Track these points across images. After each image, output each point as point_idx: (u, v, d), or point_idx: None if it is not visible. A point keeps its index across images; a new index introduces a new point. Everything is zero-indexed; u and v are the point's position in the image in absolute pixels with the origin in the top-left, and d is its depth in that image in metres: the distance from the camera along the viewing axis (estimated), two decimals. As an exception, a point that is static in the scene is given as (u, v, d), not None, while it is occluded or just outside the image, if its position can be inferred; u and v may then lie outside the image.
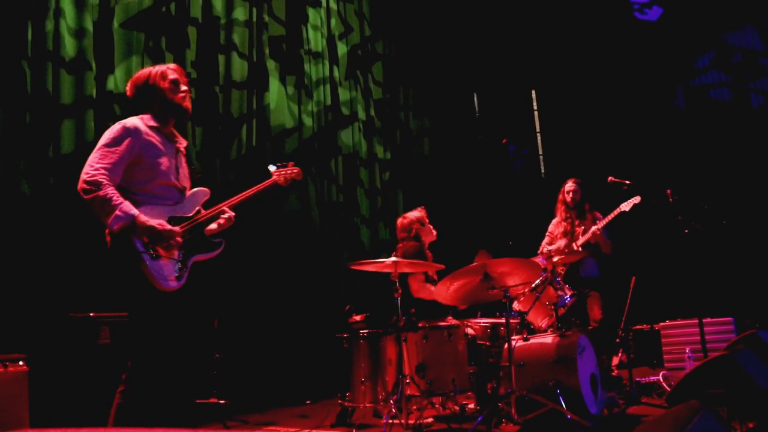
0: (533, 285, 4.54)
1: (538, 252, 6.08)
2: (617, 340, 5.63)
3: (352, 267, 4.59)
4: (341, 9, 8.17)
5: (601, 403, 4.37)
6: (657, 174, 6.96)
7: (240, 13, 6.70)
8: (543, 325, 4.91)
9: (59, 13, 5.12)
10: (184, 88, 3.32)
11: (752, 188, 8.64)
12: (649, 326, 7.18)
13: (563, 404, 3.97)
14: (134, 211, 2.94)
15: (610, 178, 5.88)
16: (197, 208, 3.34)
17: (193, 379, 3.24)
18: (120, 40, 5.61)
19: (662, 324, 6.93)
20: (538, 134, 10.74)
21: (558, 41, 9.87)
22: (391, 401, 4.22)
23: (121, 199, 2.94)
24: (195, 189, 3.40)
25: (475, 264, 4.28)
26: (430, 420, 4.58)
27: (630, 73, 9.79)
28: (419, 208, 5.60)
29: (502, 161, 10.48)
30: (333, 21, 7.95)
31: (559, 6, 9.68)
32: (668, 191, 5.56)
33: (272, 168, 3.75)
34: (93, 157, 3.02)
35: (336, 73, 7.85)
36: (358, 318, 5.25)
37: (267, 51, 6.93)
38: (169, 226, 3.03)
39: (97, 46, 5.38)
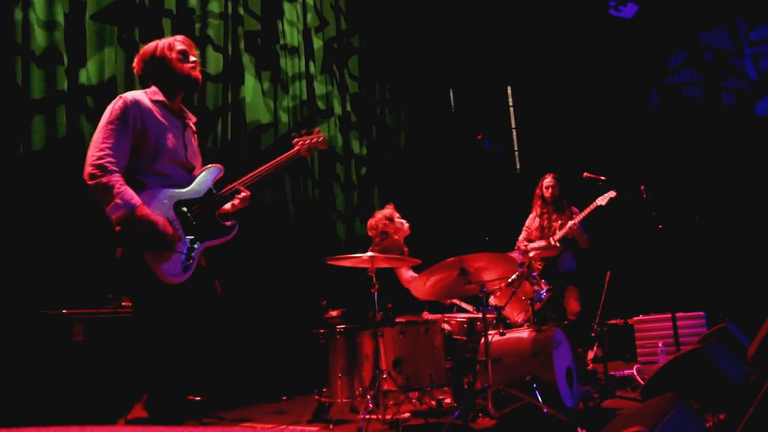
0: (509, 280, 4.56)
1: (516, 247, 6.11)
2: (593, 334, 5.68)
3: (329, 262, 4.57)
4: (317, 3, 8.12)
5: (577, 396, 4.41)
6: (631, 170, 7.03)
7: (215, 6, 6.62)
8: (519, 320, 4.93)
9: (28, 4, 5.01)
10: (193, 58, 3.20)
11: (723, 185, 8.77)
12: (622, 321, 7.27)
13: (539, 398, 3.99)
14: (135, 200, 2.81)
15: (585, 173, 5.94)
16: (209, 187, 3.17)
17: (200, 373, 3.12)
18: (92, 32, 5.50)
19: (636, 318, 7.01)
20: (514, 130, 10.80)
21: (534, 38, 9.93)
22: (368, 396, 4.22)
23: (124, 187, 2.81)
24: (206, 167, 3.23)
25: (450, 259, 4.28)
26: (407, 415, 4.58)
27: (605, 70, 9.89)
28: (387, 205, 5.61)
29: (478, 157, 10.51)
30: (309, 15, 7.90)
31: (534, 3, 9.73)
32: (642, 187, 5.63)
33: (295, 137, 3.56)
34: (97, 138, 2.89)
35: (312, 69, 7.81)
36: (334, 313, 5.24)
37: (242, 45, 6.87)
38: (170, 229, 2.87)
39: (69, 39, 5.27)
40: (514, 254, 4.68)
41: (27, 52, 4.97)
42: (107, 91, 5.48)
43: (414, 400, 4.57)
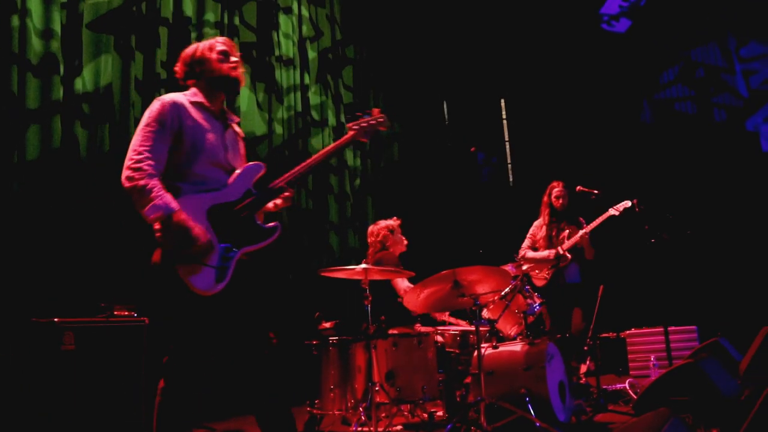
0: (503, 293, 4.57)
1: (519, 255, 6.04)
2: (585, 348, 5.68)
3: (322, 274, 4.56)
4: (312, 14, 8.15)
5: (569, 410, 4.41)
6: (624, 184, 7.06)
7: (211, 16, 6.64)
8: (512, 333, 4.94)
9: (25, 13, 5.01)
10: (234, 58, 3.11)
11: (715, 199, 8.82)
12: (615, 334, 7.27)
13: (532, 412, 3.99)
14: (174, 204, 2.71)
15: (578, 187, 5.95)
16: (247, 188, 2.98)
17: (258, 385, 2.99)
18: (88, 40, 5.51)
19: (628, 332, 7.02)
20: (507, 143, 10.83)
21: (527, 52, 9.98)
22: (360, 408, 4.21)
23: (162, 191, 2.71)
24: (246, 165, 3.05)
25: (444, 272, 4.28)
26: (399, 427, 4.57)
27: (598, 84, 9.95)
28: (393, 218, 5.60)
29: (471, 169, 10.54)
30: (305, 27, 7.93)
31: (529, 17, 9.80)
32: (635, 201, 5.65)
33: (349, 120, 3.32)
34: (135, 141, 2.80)
35: (307, 79, 7.83)
36: (327, 325, 5.22)
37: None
38: (204, 239, 2.73)
39: (65, 47, 5.27)
40: (508, 267, 4.69)
41: (23, 61, 4.96)
42: (103, 98, 5.49)
43: (406, 413, 4.56)
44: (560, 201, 6.01)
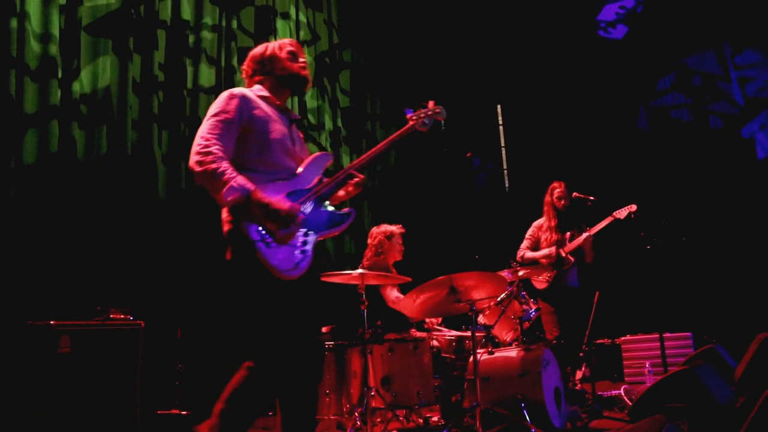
0: (499, 299, 4.58)
1: (518, 257, 6.03)
2: (581, 354, 5.68)
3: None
4: (310, 18, 8.16)
5: (565, 416, 4.42)
6: (620, 191, 7.08)
7: (209, 20, 6.64)
8: (508, 339, 4.94)
9: (24, 16, 5.00)
10: (302, 59, 3.17)
11: (711, 206, 8.85)
12: (610, 340, 7.29)
13: (527, 418, 3.99)
14: (250, 185, 2.68)
15: (574, 193, 5.96)
16: (318, 176, 3.00)
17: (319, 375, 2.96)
18: (87, 43, 5.51)
19: (623, 338, 7.03)
20: (503, 149, 10.85)
21: (524, 58, 10.01)
22: (356, 414, 4.21)
23: (235, 173, 2.69)
24: (315, 154, 3.08)
25: (440, 278, 4.29)
26: (394, 433, 4.57)
27: (594, 91, 9.98)
28: (398, 225, 5.59)
29: (467, 174, 10.55)
30: (302, 32, 7.94)
31: (526, 23, 9.82)
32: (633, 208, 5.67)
33: (409, 113, 3.36)
34: (203, 129, 2.80)
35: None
36: (323, 330, 5.22)
37: (235, 60, 6.89)
38: (289, 204, 2.70)
39: (63, 49, 5.27)
40: (504, 273, 4.69)
41: (22, 65, 4.94)
42: (101, 100, 5.49)
43: (401, 418, 4.56)
44: (562, 202, 5.96)
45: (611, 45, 10.14)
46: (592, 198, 5.84)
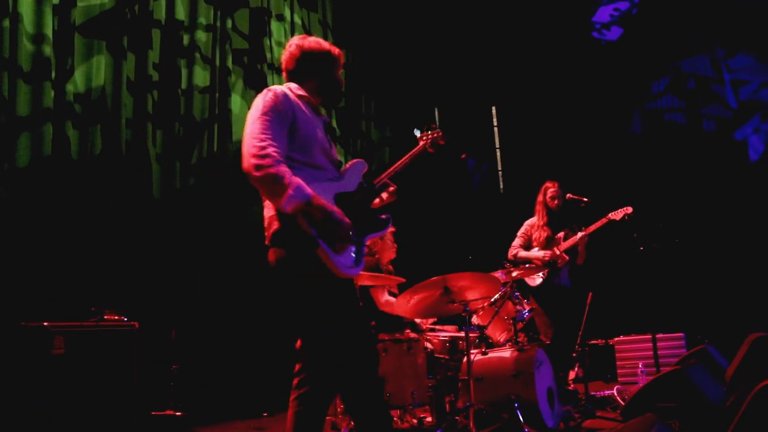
0: (492, 299, 4.59)
1: (509, 255, 6.05)
2: (574, 354, 5.70)
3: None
4: (305, 19, 8.18)
5: (558, 416, 4.44)
6: (614, 192, 7.11)
7: (203, 20, 6.66)
8: (501, 340, 4.96)
9: (17, 17, 5.00)
10: (341, 71, 3.09)
11: (704, 208, 8.89)
12: (603, 341, 7.32)
13: (521, 418, 4.01)
14: (308, 190, 2.62)
15: (568, 195, 5.97)
16: (359, 181, 3.00)
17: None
18: (81, 42, 5.51)
19: (616, 339, 7.06)
20: (498, 150, 10.88)
21: (519, 59, 10.04)
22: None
23: (294, 178, 2.60)
24: (352, 161, 3.05)
25: (434, 278, 4.30)
26: (388, 433, 4.57)
27: (589, 93, 10.01)
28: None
29: (462, 175, 10.57)
30: (297, 34, 7.95)
31: (521, 24, 9.86)
32: (628, 209, 5.70)
33: (417, 133, 3.47)
34: (254, 129, 2.69)
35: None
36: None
37: (230, 61, 6.90)
38: (346, 221, 2.66)
39: (57, 50, 5.27)
40: (498, 274, 4.71)
41: (15, 66, 4.94)
42: (95, 100, 5.50)
43: (395, 418, 4.56)
44: (555, 202, 5.97)
45: (606, 47, 10.18)
46: (585, 199, 5.85)
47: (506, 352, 4.44)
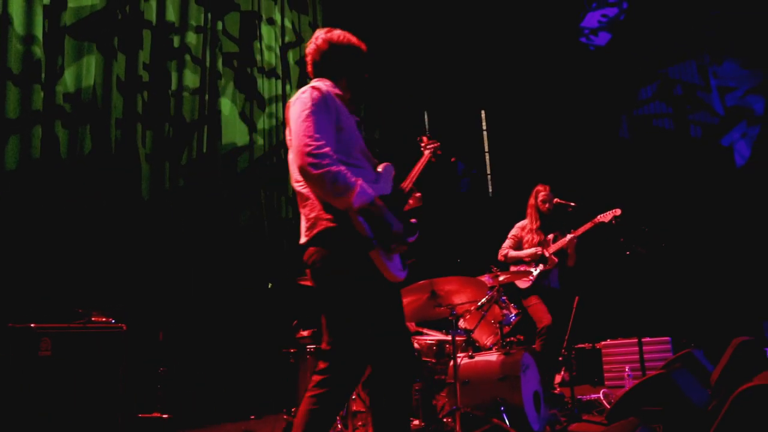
0: (479, 303, 4.61)
1: (500, 256, 6.08)
2: (560, 358, 5.73)
3: (301, 282, 4.57)
4: (295, 21, 8.19)
5: (544, 420, 4.46)
6: (601, 197, 7.15)
7: (194, 21, 6.66)
8: (488, 343, 4.97)
9: (7, 19, 4.98)
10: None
11: (690, 213, 8.96)
12: (591, 345, 7.35)
13: (507, 421, 4.03)
14: (371, 191, 2.55)
15: (555, 199, 6.01)
16: (392, 185, 2.92)
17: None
18: (71, 43, 5.50)
19: (603, 343, 7.10)
20: (487, 154, 10.91)
21: (508, 63, 10.08)
22: (337, 417, 4.22)
23: (358, 177, 2.53)
24: (383, 164, 2.94)
25: (421, 282, 4.32)
26: (375, 436, 4.57)
27: (578, 97, 10.07)
28: None
29: (451, 179, 10.60)
30: (287, 37, 7.98)
31: (510, 29, 9.90)
32: (616, 212, 5.74)
33: (423, 145, 3.42)
34: (307, 127, 2.56)
35: (288, 88, 7.86)
36: (305, 333, 5.23)
37: (220, 63, 6.90)
38: (401, 228, 2.61)
39: (48, 51, 5.25)
40: (485, 278, 4.73)
41: (4, 69, 4.93)
42: (85, 100, 5.49)
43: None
44: (546, 205, 6.04)
45: (594, 53, 10.24)
46: (572, 204, 5.90)
47: (493, 356, 4.46)
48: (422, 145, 3.43)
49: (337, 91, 2.82)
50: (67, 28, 5.46)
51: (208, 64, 6.76)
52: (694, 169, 9.31)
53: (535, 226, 6.05)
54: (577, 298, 5.36)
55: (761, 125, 9.32)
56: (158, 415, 4.94)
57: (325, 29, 3.01)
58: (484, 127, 10.98)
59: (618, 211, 5.75)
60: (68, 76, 5.45)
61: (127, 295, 5.41)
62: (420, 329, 5.43)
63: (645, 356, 5.59)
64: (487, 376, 4.32)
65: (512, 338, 4.84)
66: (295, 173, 2.69)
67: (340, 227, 2.56)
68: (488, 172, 10.85)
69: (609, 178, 9.53)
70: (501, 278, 4.82)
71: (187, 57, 6.53)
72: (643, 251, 5.60)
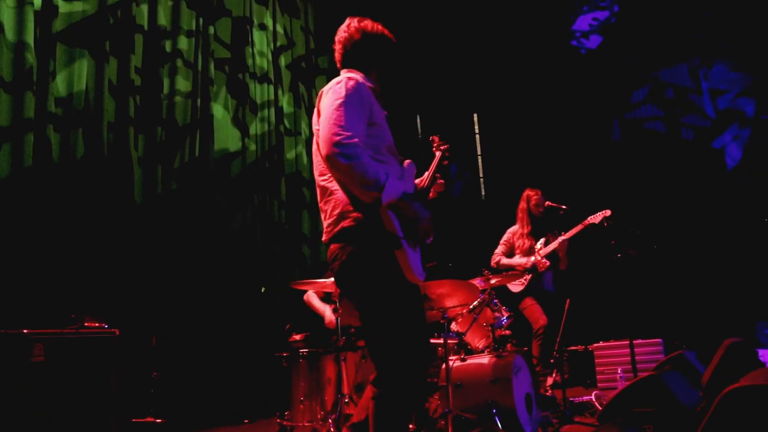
0: (471, 306, 4.63)
1: (492, 262, 6.11)
2: (552, 360, 5.75)
3: (294, 286, 4.58)
4: (287, 26, 8.21)
5: (536, 422, 4.47)
6: (593, 200, 7.19)
7: (185, 25, 6.68)
8: (480, 346, 4.99)
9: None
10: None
11: (681, 216, 8.99)
12: (583, 347, 7.37)
13: (499, 424, 4.04)
14: (400, 185, 2.49)
15: (547, 202, 6.04)
16: (415, 183, 2.90)
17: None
18: (63, 47, 5.50)
19: (595, 345, 7.12)
20: (479, 157, 10.93)
21: (500, 67, 10.11)
22: (330, 420, 4.23)
23: (383, 171, 2.45)
24: (406, 162, 2.89)
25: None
26: (368, 439, 4.59)
27: (569, 100, 10.10)
28: None
29: (443, 182, 10.59)
30: (279, 42, 7.99)
31: (502, 32, 9.93)
32: (607, 214, 5.77)
33: (434, 146, 3.37)
34: (338, 116, 2.48)
35: (280, 92, 7.87)
36: (297, 337, 5.25)
37: (212, 68, 6.91)
38: (428, 215, 2.57)
39: (39, 55, 5.25)
40: (476, 281, 4.75)
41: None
42: (78, 104, 5.49)
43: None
44: (539, 209, 6.08)
45: (586, 56, 10.28)
46: (564, 207, 5.94)
47: (485, 359, 4.48)
48: (434, 145, 3.39)
49: (370, 84, 2.74)
50: (59, 33, 5.46)
51: (200, 68, 6.77)
52: (686, 172, 9.34)
53: (526, 231, 6.10)
54: (568, 300, 5.39)
55: (752, 127, 9.37)
56: (152, 419, 4.94)
57: (357, 18, 2.90)
58: (477, 131, 11.00)
59: (608, 212, 5.77)
60: (60, 81, 5.45)
61: (120, 300, 5.41)
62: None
63: (637, 358, 5.61)
64: (479, 378, 4.33)
65: (506, 332, 4.85)
66: (320, 166, 2.63)
67: (367, 223, 2.49)
68: (481, 175, 10.87)
69: (601, 181, 9.56)
70: (492, 281, 4.84)
71: (179, 62, 6.54)
72: (635, 253, 5.63)
